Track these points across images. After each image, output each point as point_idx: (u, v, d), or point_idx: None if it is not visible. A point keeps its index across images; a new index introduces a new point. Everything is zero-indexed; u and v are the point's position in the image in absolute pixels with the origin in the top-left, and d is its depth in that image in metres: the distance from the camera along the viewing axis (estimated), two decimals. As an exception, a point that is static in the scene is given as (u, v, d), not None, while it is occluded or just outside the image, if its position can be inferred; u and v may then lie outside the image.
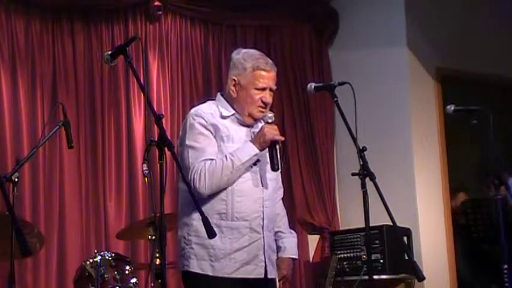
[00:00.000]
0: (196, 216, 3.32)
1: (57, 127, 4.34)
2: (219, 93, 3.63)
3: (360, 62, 6.27)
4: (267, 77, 3.49)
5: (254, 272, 3.41)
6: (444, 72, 6.28)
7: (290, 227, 3.79)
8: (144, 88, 3.27)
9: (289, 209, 3.97)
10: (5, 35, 5.32)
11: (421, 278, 3.26)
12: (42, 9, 5.52)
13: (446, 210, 6.12)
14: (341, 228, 6.15)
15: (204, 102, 3.62)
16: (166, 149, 2.98)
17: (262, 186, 3.45)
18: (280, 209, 3.73)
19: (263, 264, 3.43)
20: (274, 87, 3.54)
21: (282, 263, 3.66)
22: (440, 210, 6.07)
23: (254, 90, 3.47)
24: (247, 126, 3.53)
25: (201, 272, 3.38)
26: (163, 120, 3.11)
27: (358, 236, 5.65)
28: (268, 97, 3.50)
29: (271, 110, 3.56)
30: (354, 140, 3.35)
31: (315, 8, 6.43)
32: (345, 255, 5.69)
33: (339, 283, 5.54)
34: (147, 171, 3.22)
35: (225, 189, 3.38)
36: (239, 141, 3.44)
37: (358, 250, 5.65)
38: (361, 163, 3.33)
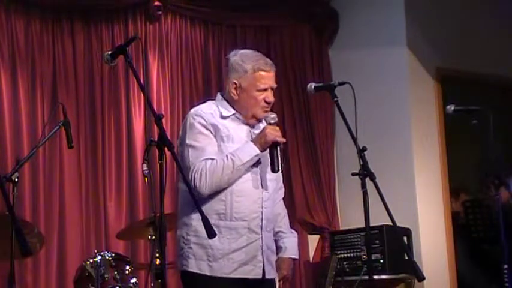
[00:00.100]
0: (195, 216, 3.32)
1: (57, 127, 4.34)
2: (219, 93, 3.63)
3: (360, 62, 6.27)
4: (268, 77, 3.49)
5: (252, 272, 3.41)
6: (444, 72, 6.28)
7: (290, 227, 3.80)
8: (144, 88, 3.27)
9: (289, 209, 3.97)
10: (5, 35, 5.32)
11: (421, 278, 3.26)
12: (42, 9, 5.52)
13: (446, 210, 6.12)
14: (341, 228, 6.15)
15: (204, 102, 3.62)
16: (166, 149, 2.98)
17: (262, 187, 3.45)
18: (281, 209, 3.73)
19: (261, 264, 3.43)
20: (275, 86, 3.54)
21: (282, 263, 3.66)
22: (440, 210, 6.07)
23: (256, 92, 3.47)
24: (248, 126, 3.52)
25: (199, 271, 3.38)
26: (163, 120, 3.10)
27: (358, 236, 5.64)
28: (270, 96, 3.50)
29: (272, 110, 3.56)
30: (354, 140, 3.35)
31: (315, 8, 6.44)
32: (345, 255, 5.69)
33: (339, 283, 5.54)
34: (147, 171, 3.21)
35: (224, 189, 3.38)
36: (239, 142, 3.44)
37: (358, 250, 5.65)
38: (361, 163, 3.33)
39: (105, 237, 5.40)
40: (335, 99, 3.50)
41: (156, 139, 3.00)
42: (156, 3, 5.75)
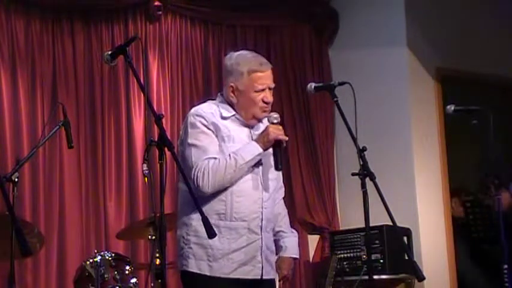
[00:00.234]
0: (195, 216, 3.32)
1: (57, 127, 4.35)
2: (219, 94, 3.62)
3: (360, 62, 6.27)
4: (264, 77, 3.48)
5: (251, 272, 3.41)
6: (444, 72, 6.28)
7: (291, 227, 3.79)
8: (144, 88, 3.27)
9: (289, 209, 3.96)
10: (5, 35, 5.32)
11: (421, 278, 3.26)
12: (42, 9, 5.52)
13: (446, 210, 6.12)
14: (341, 228, 6.15)
15: (204, 102, 3.62)
16: (166, 149, 2.98)
17: (262, 187, 3.45)
18: (282, 209, 3.73)
19: (260, 265, 3.43)
20: (273, 85, 3.53)
21: (282, 263, 3.67)
22: (440, 210, 6.07)
23: (254, 93, 3.46)
24: (248, 127, 3.52)
25: (198, 271, 3.38)
26: (163, 120, 3.10)
27: (358, 236, 5.64)
28: (269, 96, 3.49)
29: (272, 110, 3.56)
30: (354, 140, 3.35)
31: (315, 8, 6.43)
32: (345, 255, 5.69)
33: (339, 283, 5.54)
34: (147, 171, 3.21)
35: (224, 189, 3.38)
36: (240, 142, 3.44)
37: (358, 250, 5.65)
38: (361, 163, 3.33)
39: (105, 237, 5.40)
40: (335, 99, 3.50)
41: (156, 139, 3.00)
42: (156, 3, 5.75)
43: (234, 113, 3.50)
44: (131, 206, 5.53)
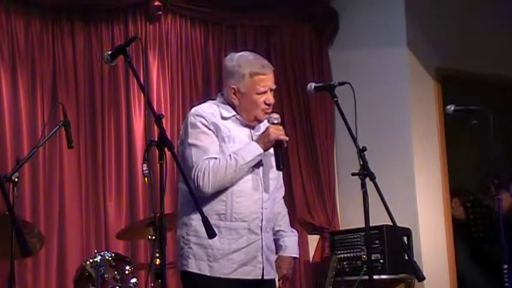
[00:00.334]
0: (195, 216, 3.32)
1: (57, 127, 4.35)
2: (219, 94, 3.62)
3: (360, 62, 6.27)
4: (266, 79, 3.48)
5: (252, 273, 3.41)
6: (444, 72, 6.28)
7: (290, 227, 3.79)
8: (144, 88, 3.27)
9: (289, 208, 3.97)
10: (5, 35, 5.32)
11: (421, 278, 3.26)
12: (42, 9, 5.52)
13: (446, 210, 6.12)
14: (341, 228, 6.15)
15: (204, 102, 3.62)
16: (166, 149, 2.98)
17: (263, 187, 3.45)
18: (282, 208, 3.74)
19: (261, 265, 3.43)
20: (274, 87, 3.53)
21: (282, 262, 3.67)
22: (440, 210, 6.07)
23: (256, 96, 3.46)
24: (249, 127, 3.52)
25: (198, 272, 3.38)
26: (163, 120, 3.10)
27: (358, 236, 5.64)
28: (271, 98, 3.49)
29: (272, 111, 3.56)
30: (354, 140, 3.35)
31: (315, 8, 6.43)
32: (345, 255, 5.69)
33: (339, 283, 5.54)
34: (147, 171, 3.22)
35: (224, 189, 3.38)
36: (240, 142, 3.44)
37: (358, 250, 5.65)
38: (361, 163, 3.34)
39: (105, 237, 5.39)
40: (335, 99, 3.50)
41: (156, 139, 3.00)
42: (156, 3, 5.74)
43: (234, 113, 3.50)
44: (131, 206, 5.53)
